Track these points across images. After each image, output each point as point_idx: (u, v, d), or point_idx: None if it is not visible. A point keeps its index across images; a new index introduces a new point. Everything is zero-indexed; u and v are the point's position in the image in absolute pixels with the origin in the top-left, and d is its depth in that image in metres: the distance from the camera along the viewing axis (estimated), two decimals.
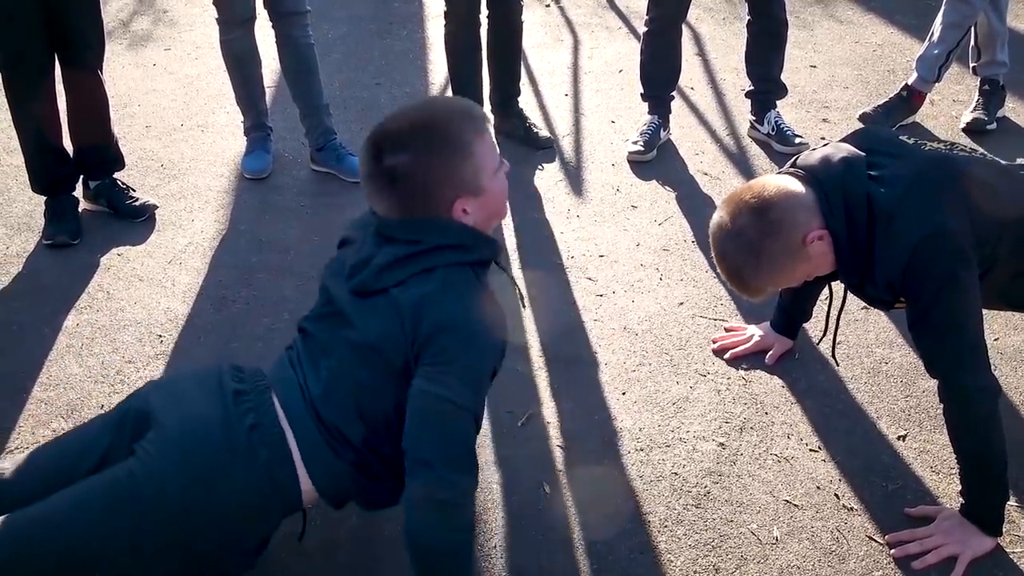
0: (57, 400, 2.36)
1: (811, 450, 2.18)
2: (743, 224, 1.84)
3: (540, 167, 3.47)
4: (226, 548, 1.67)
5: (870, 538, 1.95)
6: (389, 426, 1.68)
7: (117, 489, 1.61)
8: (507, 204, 1.79)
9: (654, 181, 3.36)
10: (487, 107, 3.63)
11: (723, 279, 1.93)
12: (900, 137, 1.96)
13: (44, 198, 3.08)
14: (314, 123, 3.41)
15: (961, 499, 1.92)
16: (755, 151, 3.55)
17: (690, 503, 2.04)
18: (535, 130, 3.62)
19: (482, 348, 1.62)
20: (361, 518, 1.99)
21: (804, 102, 3.90)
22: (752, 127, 3.64)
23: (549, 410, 2.32)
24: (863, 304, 2.59)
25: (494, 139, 1.72)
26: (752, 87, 3.60)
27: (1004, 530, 1.91)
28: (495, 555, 1.93)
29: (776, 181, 1.89)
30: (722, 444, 2.20)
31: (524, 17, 3.50)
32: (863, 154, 1.89)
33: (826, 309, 2.25)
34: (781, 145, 3.51)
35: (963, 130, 3.62)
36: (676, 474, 2.12)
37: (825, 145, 1.97)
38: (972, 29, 3.55)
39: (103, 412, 1.82)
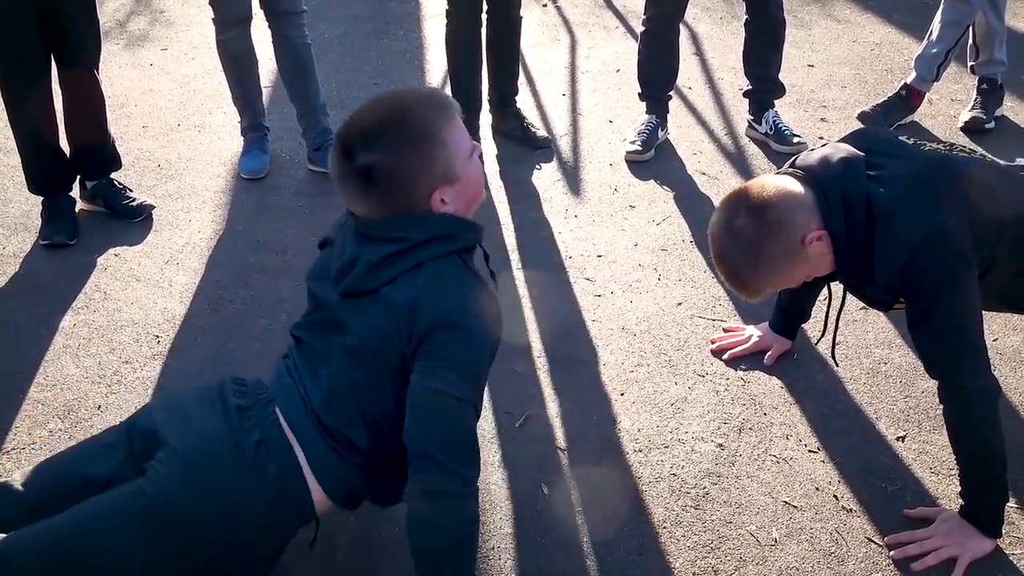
0: (54, 401, 2.35)
1: (810, 451, 2.17)
2: (742, 225, 1.83)
3: (538, 167, 3.46)
4: (241, 562, 1.68)
5: (869, 540, 1.94)
6: (392, 425, 1.68)
7: (131, 509, 1.61)
8: (484, 187, 1.76)
9: (652, 181, 3.35)
10: (486, 106, 3.62)
11: (722, 279, 1.93)
12: (899, 137, 1.95)
13: (41, 198, 3.08)
14: (311, 123, 3.41)
15: (960, 500, 1.91)
16: (753, 151, 3.55)
17: (689, 504, 2.04)
18: (533, 130, 3.62)
19: (480, 340, 1.62)
20: (359, 520, 1.99)
21: (802, 101, 3.90)
22: (750, 127, 3.63)
23: (547, 411, 2.31)
24: (862, 305, 2.58)
25: (462, 124, 1.70)
26: (750, 87, 3.60)
27: (1003, 531, 1.90)
28: (493, 556, 1.92)
29: (775, 181, 1.88)
30: (721, 445, 2.19)
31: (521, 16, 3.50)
32: (862, 154, 1.88)
33: (825, 309, 2.25)
34: (779, 145, 3.51)
35: (961, 129, 3.61)
36: (675, 475, 2.11)
37: (824, 145, 1.96)
38: (970, 28, 3.54)
39: (111, 427, 1.81)
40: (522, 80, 3.67)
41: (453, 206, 1.68)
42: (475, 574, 1.86)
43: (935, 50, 3.51)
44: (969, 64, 3.73)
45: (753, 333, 2.51)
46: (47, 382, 2.42)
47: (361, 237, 1.68)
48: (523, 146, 3.58)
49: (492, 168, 3.46)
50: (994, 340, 2.49)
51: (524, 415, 2.29)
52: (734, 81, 4.08)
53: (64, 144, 3.08)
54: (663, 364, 2.46)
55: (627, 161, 3.47)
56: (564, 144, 3.64)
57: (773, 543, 1.94)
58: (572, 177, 3.40)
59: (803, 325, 2.49)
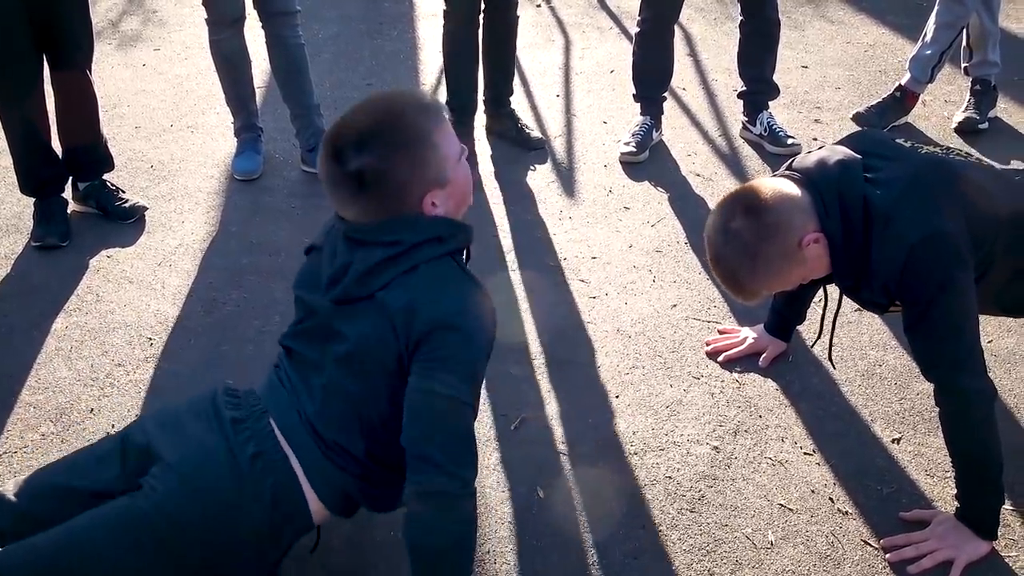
0: (46, 404, 2.34)
1: (805, 453, 2.17)
2: (739, 227, 1.83)
3: (532, 168, 3.46)
4: (240, 574, 1.67)
5: (865, 542, 1.94)
6: (389, 431, 1.67)
7: (128, 524, 1.60)
8: (472, 190, 1.75)
9: (646, 182, 3.35)
10: (480, 107, 3.61)
11: (718, 282, 1.92)
12: (896, 140, 1.95)
13: (33, 200, 3.06)
14: (305, 124, 3.39)
15: (956, 503, 1.91)
16: (747, 152, 3.55)
17: (684, 507, 2.03)
18: (527, 131, 3.61)
19: (478, 341, 1.62)
20: (354, 525, 1.98)
21: (796, 103, 3.90)
22: (744, 128, 3.63)
23: (543, 413, 2.30)
24: (857, 307, 2.58)
25: (451, 127, 1.69)
26: (744, 88, 3.60)
27: (999, 534, 1.90)
28: (489, 560, 1.91)
29: (772, 184, 1.88)
30: (716, 447, 2.19)
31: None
32: (859, 157, 1.88)
33: (820, 311, 2.24)
34: (773, 146, 3.51)
35: (955, 130, 3.62)
36: (670, 478, 2.11)
37: (821, 148, 1.96)
38: (964, 30, 3.55)
39: (105, 437, 1.80)
40: (516, 81, 3.66)
41: (443, 208, 1.67)
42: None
43: (929, 51, 3.52)
44: (963, 65, 3.74)
45: (748, 335, 2.50)
46: (39, 385, 2.40)
47: (351, 242, 1.66)
48: (517, 147, 3.57)
49: (486, 169, 3.45)
50: (988, 342, 2.49)
51: (519, 418, 2.28)
52: (728, 82, 4.08)
53: (56, 145, 3.06)
54: (658, 366, 2.46)
55: (621, 162, 3.47)
56: (558, 145, 3.63)
57: (769, 546, 1.94)
58: (567, 178, 3.39)
59: (798, 327, 2.49)
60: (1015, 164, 2.15)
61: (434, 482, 1.57)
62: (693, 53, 4.45)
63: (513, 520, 2.00)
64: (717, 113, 3.87)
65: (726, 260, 1.86)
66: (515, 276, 2.84)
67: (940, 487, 2.07)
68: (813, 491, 2.07)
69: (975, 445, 1.84)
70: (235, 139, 3.50)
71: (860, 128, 3.58)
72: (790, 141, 3.48)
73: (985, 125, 3.60)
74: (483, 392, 2.35)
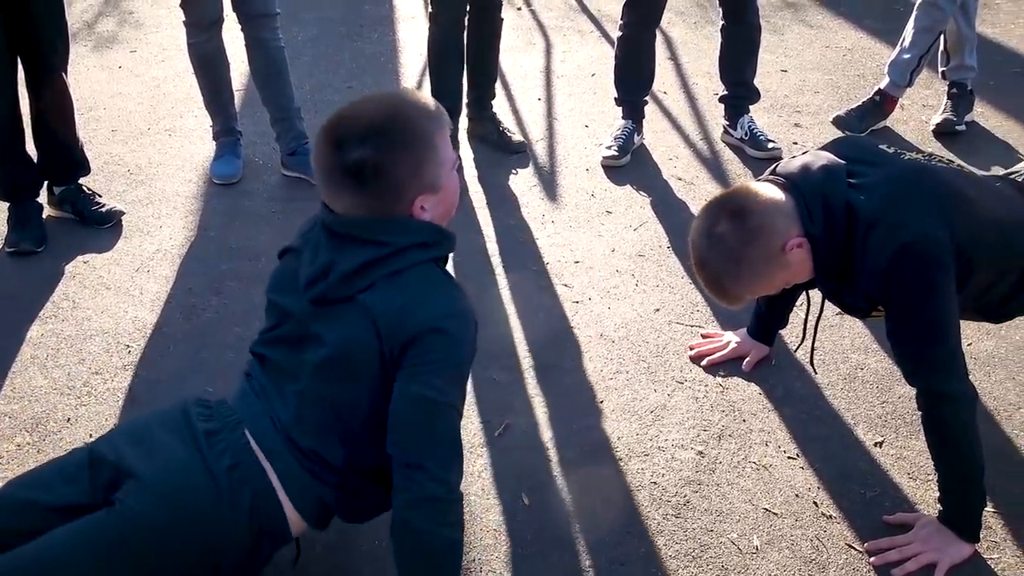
0: (21, 413, 2.30)
1: (789, 457, 2.18)
2: (723, 231, 1.83)
3: (514, 172, 3.45)
4: None
5: (849, 546, 1.95)
6: (370, 437, 1.65)
7: (102, 542, 1.57)
8: (458, 201, 1.75)
9: (628, 186, 3.35)
10: (465, 110, 3.60)
11: (701, 286, 1.92)
12: (879, 146, 1.96)
13: (7, 204, 3.01)
14: (285, 127, 3.37)
15: (939, 506, 1.92)
16: (728, 156, 3.56)
17: (670, 513, 2.03)
18: (508, 134, 3.60)
19: (466, 345, 1.62)
20: (338, 533, 1.96)
21: (776, 106, 3.91)
22: (725, 132, 3.64)
23: (526, 419, 2.29)
24: (838, 310, 2.59)
25: (448, 135, 1.70)
26: (725, 92, 3.60)
27: (981, 536, 1.91)
28: (474, 568, 1.90)
29: (756, 188, 1.88)
30: (701, 452, 2.19)
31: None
32: (843, 162, 1.89)
33: (803, 316, 2.25)
34: (754, 150, 3.51)
35: (933, 132, 3.65)
36: (655, 483, 2.11)
37: (804, 153, 1.97)
38: (942, 34, 3.58)
39: (73, 451, 1.76)
40: (497, 84, 3.65)
41: (431, 214, 1.67)
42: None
43: (908, 56, 3.54)
44: (940, 70, 3.77)
45: (731, 339, 2.51)
46: (14, 394, 2.36)
47: (336, 239, 1.64)
48: (499, 151, 3.56)
49: (469, 173, 3.44)
50: (968, 345, 2.50)
51: (503, 424, 2.27)
52: (708, 86, 4.09)
53: (31, 149, 3.02)
54: (642, 371, 2.45)
55: (603, 166, 3.46)
56: (540, 149, 3.62)
57: (754, 551, 1.94)
58: (548, 182, 3.39)
59: (781, 331, 2.49)
60: (995, 170, 2.16)
61: (426, 489, 1.56)
62: (674, 57, 4.45)
63: (498, 528, 1.99)
64: (698, 117, 3.88)
65: (710, 264, 1.86)
66: (498, 280, 2.83)
67: (923, 490, 2.08)
68: (797, 495, 2.07)
69: (957, 448, 1.85)
70: (214, 143, 3.47)
71: (840, 131, 3.61)
72: (771, 145, 3.49)
73: (963, 127, 3.63)
74: (467, 398, 2.33)
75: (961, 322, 1.89)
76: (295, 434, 1.65)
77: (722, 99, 3.63)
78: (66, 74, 2.96)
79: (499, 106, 3.74)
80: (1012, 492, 2.05)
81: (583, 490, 2.09)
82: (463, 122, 3.64)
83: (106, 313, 2.68)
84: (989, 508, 2.00)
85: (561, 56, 4.48)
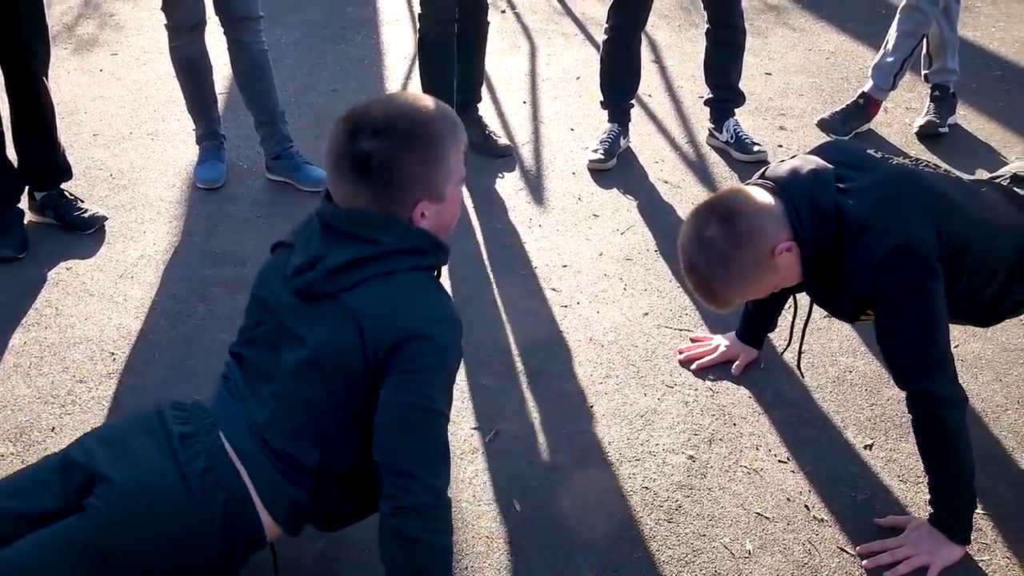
0: (4, 423, 2.26)
1: (780, 461, 2.18)
2: (712, 235, 1.83)
3: (500, 175, 3.44)
4: None
5: (841, 549, 1.95)
6: (344, 438, 1.63)
7: (72, 548, 1.55)
8: (456, 221, 1.75)
9: (615, 189, 3.35)
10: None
11: (690, 289, 1.92)
12: (867, 151, 1.97)
13: None
14: (270, 131, 3.34)
15: (930, 508, 1.92)
16: (714, 159, 3.56)
17: (662, 517, 2.02)
18: (494, 138, 3.59)
19: (454, 352, 1.62)
20: (328, 543, 1.94)
21: (761, 109, 3.92)
22: (711, 135, 3.65)
23: (517, 425, 2.28)
24: (826, 313, 2.59)
25: (464, 150, 1.71)
26: (711, 95, 3.61)
27: (971, 538, 1.92)
28: (467, 575, 1.89)
29: (745, 192, 1.89)
30: (692, 457, 2.19)
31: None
32: (831, 166, 1.89)
33: (790, 319, 2.26)
34: (740, 153, 3.52)
35: (916, 134, 3.67)
36: (647, 488, 2.10)
37: (793, 157, 1.97)
38: (924, 38, 3.60)
39: (45, 458, 1.74)
40: (482, 87, 3.64)
41: (430, 223, 1.66)
42: None
43: (891, 59, 3.56)
44: (923, 73, 3.79)
45: (720, 343, 2.51)
46: None
47: (329, 231, 1.63)
48: (485, 154, 3.55)
49: None
50: (955, 347, 2.51)
51: (494, 430, 2.26)
52: (693, 89, 4.10)
53: (11, 154, 2.98)
54: (631, 375, 2.45)
55: (589, 170, 3.46)
56: (526, 152, 3.62)
57: (747, 555, 1.94)
58: (535, 186, 3.38)
59: (769, 334, 2.49)
60: (982, 173, 2.17)
61: (418, 498, 1.55)
62: (658, 60, 4.46)
63: (490, 534, 1.98)
64: (683, 120, 3.88)
65: (699, 268, 1.86)
66: (487, 285, 2.82)
67: (913, 492, 2.08)
68: (789, 499, 2.07)
69: (948, 451, 1.86)
70: (197, 147, 3.44)
71: (825, 134, 3.62)
72: (756, 148, 3.50)
73: (945, 129, 3.65)
74: (457, 404, 2.33)
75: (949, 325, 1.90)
76: (269, 436, 1.63)
77: (707, 102, 3.64)
78: (47, 78, 2.93)
79: (484, 109, 3.73)
80: (1001, 494, 2.06)
81: (575, 495, 2.08)
82: None
83: (90, 320, 2.65)
84: (979, 510, 2.01)
85: (546, 59, 4.47)
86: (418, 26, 3.34)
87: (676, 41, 4.66)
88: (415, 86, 4.15)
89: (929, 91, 3.75)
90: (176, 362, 2.49)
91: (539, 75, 4.30)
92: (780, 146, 3.63)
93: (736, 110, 3.61)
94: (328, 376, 1.60)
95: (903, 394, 1.91)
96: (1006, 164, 3.37)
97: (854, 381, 2.42)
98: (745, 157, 3.50)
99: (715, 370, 2.45)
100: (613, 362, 2.50)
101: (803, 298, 2.16)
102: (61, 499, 1.63)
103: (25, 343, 2.55)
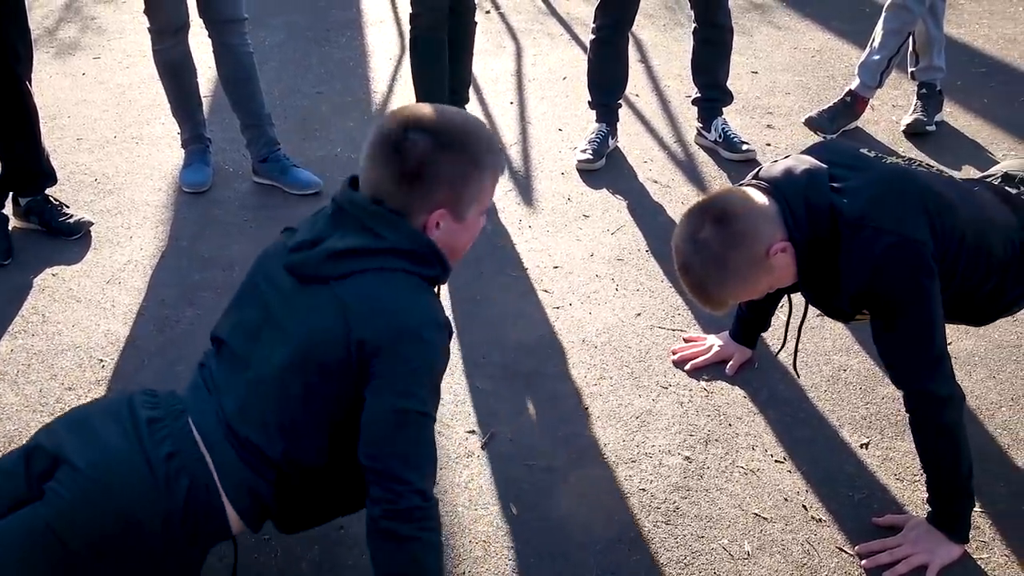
0: None
1: (776, 461, 2.17)
2: (707, 236, 1.82)
3: None
4: None
5: (840, 549, 1.95)
6: (313, 433, 1.61)
7: (29, 535, 1.52)
8: (466, 250, 1.75)
9: (604, 190, 3.34)
10: None
11: (683, 290, 1.91)
12: (860, 150, 1.96)
13: None
14: (256, 134, 3.31)
15: (928, 507, 1.93)
16: (703, 158, 3.56)
17: (660, 520, 2.02)
18: None
19: (443, 354, 1.62)
20: (324, 550, 1.92)
21: (748, 108, 3.93)
22: (699, 134, 3.65)
23: (512, 427, 2.27)
24: (819, 312, 2.60)
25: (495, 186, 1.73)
26: (698, 94, 3.61)
27: (970, 536, 1.92)
28: None
29: (739, 193, 1.88)
30: (688, 458, 2.18)
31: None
32: (825, 166, 1.89)
33: (785, 319, 2.25)
34: (728, 152, 3.52)
35: (904, 132, 3.68)
36: (644, 490, 2.09)
37: (787, 157, 1.97)
38: (911, 36, 3.61)
39: (11, 450, 1.71)
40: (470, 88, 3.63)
41: (441, 238, 1.65)
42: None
43: (877, 57, 3.57)
44: (909, 70, 3.81)
45: (714, 342, 2.50)
46: None
47: (340, 217, 1.62)
48: None
49: None
50: (948, 345, 2.50)
51: (489, 433, 2.25)
52: (680, 88, 4.10)
53: None
54: (626, 376, 2.44)
55: (578, 170, 3.45)
56: (515, 153, 3.60)
57: (746, 556, 1.93)
58: (524, 187, 3.37)
59: (763, 334, 2.49)
60: (968, 170, 2.18)
61: (410, 501, 1.54)
62: (644, 59, 4.46)
63: (487, 539, 1.97)
64: (671, 119, 3.88)
65: (694, 269, 1.85)
66: (478, 287, 2.80)
67: (910, 491, 2.08)
68: (786, 499, 2.07)
69: (946, 450, 1.85)
70: (182, 150, 3.41)
71: (812, 132, 3.63)
72: (745, 147, 3.50)
73: (933, 127, 3.66)
74: (451, 407, 2.31)
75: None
76: (236, 424, 1.61)
77: (695, 101, 3.63)
78: (30, 82, 2.89)
79: (471, 110, 3.71)
80: (996, 492, 2.07)
81: (572, 498, 2.07)
82: None
83: (77, 327, 2.62)
84: (976, 508, 2.01)
85: (532, 59, 4.46)
86: (410, 26, 3.31)
87: (662, 40, 4.66)
88: (401, 87, 4.14)
89: (916, 89, 3.76)
90: (165, 368, 2.46)
91: (525, 76, 4.29)
92: (768, 145, 3.63)
93: (724, 109, 3.61)
94: (306, 367, 1.58)
95: (898, 393, 1.91)
96: (993, 160, 3.39)
97: (848, 380, 2.42)
98: (734, 156, 3.50)
99: (709, 370, 2.45)
100: (607, 363, 2.49)
101: (797, 298, 2.16)
102: (24, 487, 1.60)
103: (12, 351, 2.52)
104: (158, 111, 3.80)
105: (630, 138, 3.69)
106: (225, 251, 2.98)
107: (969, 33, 4.70)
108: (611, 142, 3.55)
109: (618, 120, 3.60)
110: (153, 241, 3.03)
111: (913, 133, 3.66)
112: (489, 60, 4.43)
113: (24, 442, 2.17)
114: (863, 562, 1.91)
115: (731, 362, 2.45)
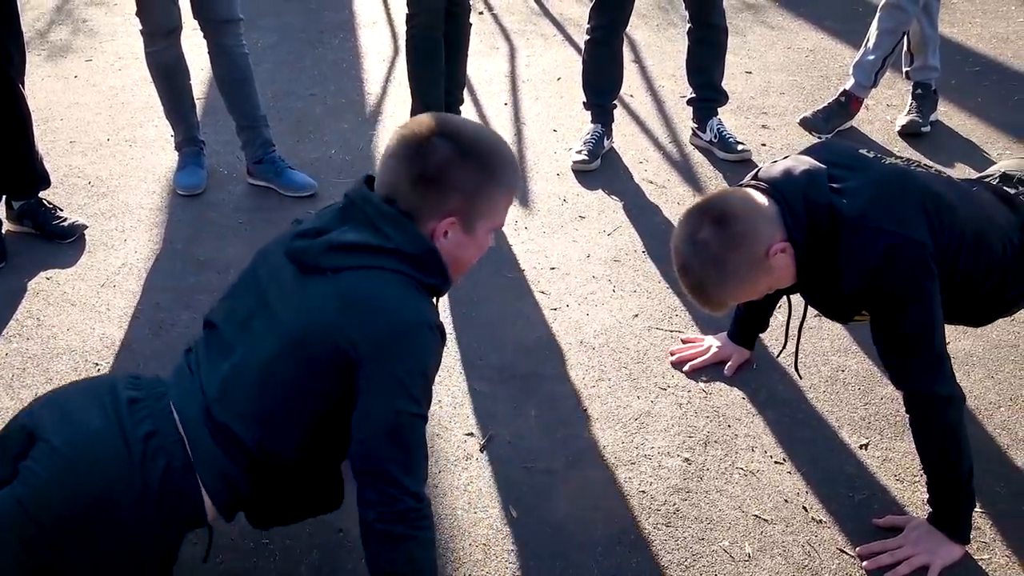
0: None
1: (776, 462, 2.17)
2: (706, 237, 1.82)
3: None
4: (129, 568, 1.59)
5: (841, 551, 1.94)
6: (290, 425, 1.61)
7: (5, 520, 1.52)
8: (470, 268, 1.75)
9: (600, 190, 3.33)
10: None
11: (681, 291, 1.91)
12: (860, 151, 1.96)
13: None
14: (252, 136, 3.30)
15: (928, 507, 1.92)
16: (698, 158, 3.56)
17: (660, 522, 2.01)
18: None
19: (437, 359, 1.63)
20: (323, 553, 1.91)
21: (743, 108, 3.93)
22: (694, 134, 3.64)
23: (510, 430, 2.26)
24: (817, 312, 2.59)
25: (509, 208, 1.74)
26: (693, 95, 3.60)
27: (971, 537, 1.92)
28: None
29: (738, 193, 1.88)
30: (687, 459, 2.17)
31: None
32: (824, 167, 1.88)
33: (784, 320, 2.25)
34: (724, 152, 3.52)
35: (899, 133, 3.68)
36: (643, 492, 2.08)
37: (786, 158, 1.96)
38: (905, 35, 3.61)
39: None
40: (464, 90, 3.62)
41: (447, 248, 1.65)
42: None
43: (872, 57, 3.58)
44: (904, 70, 3.81)
45: (712, 343, 2.50)
46: None
47: (349, 211, 1.63)
48: None
49: None
50: (946, 345, 2.51)
51: (488, 435, 2.24)
52: (675, 88, 4.09)
53: None
54: (624, 378, 2.43)
55: (574, 171, 3.44)
56: None
57: (747, 558, 1.93)
58: (520, 188, 3.36)
59: (761, 334, 2.49)
60: (963, 169, 2.18)
61: (405, 503, 1.55)
62: (638, 59, 4.45)
63: (487, 542, 1.96)
64: (666, 120, 3.87)
65: (693, 270, 1.85)
66: (475, 289, 2.79)
67: (910, 492, 2.08)
68: (786, 500, 2.06)
69: (947, 451, 1.85)
70: (176, 153, 3.39)
71: (807, 132, 3.63)
72: (740, 147, 3.50)
73: (928, 128, 3.67)
74: (449, 409, 2.31)
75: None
76: (215, 408, 1.61)
77: (690, 102, 3.63)
78: (23, 84, 2.87)
79: (465, 111, 3.70)
80: (996, 492, 2.07)
81: (572, 500, 2.06)
82: None
83: (72, 330, 2.60)
84: (976, 508, 2.01)
85: (525, 60, 4.46)
86: (406, 26, 3.30)
87: (655, 41, 4.65)
88: (395, 88, 4.13)
89: (911, 89, 3.77)
90: (161, 371, 2.42)
91: (519, 76, 4.28)
92: (763, 145, 3.63)
93: (719, 109, 3.61)
94: (293, 356, 1.58)
95: (897, 393, 1.91)
96: (988, 160, 3.40)
97: (847, 380, 2.42)
98: (729, 156, 3.49)
99: (708, 371, 2.44)
100: (605, 365, 2.48)
101: (796, 298, 2.16)
102: (1, 467, 1.59)
103: (7, 354, 2.50)
104: (151, 113, 3.78)
105: (625, 139, 3.69)
106: (220, 254, 2.96)
107: (962, 32, 4.71)
108: (607, 143, 3.55)
109: (613, 121, 3.59)
110: (148, 244, 3.01)
111: (908, 134, 3.66)
112: (483, 61, 4.42)
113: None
114: (864, 563, 1.90)
115: (730, 363, 2.44)
